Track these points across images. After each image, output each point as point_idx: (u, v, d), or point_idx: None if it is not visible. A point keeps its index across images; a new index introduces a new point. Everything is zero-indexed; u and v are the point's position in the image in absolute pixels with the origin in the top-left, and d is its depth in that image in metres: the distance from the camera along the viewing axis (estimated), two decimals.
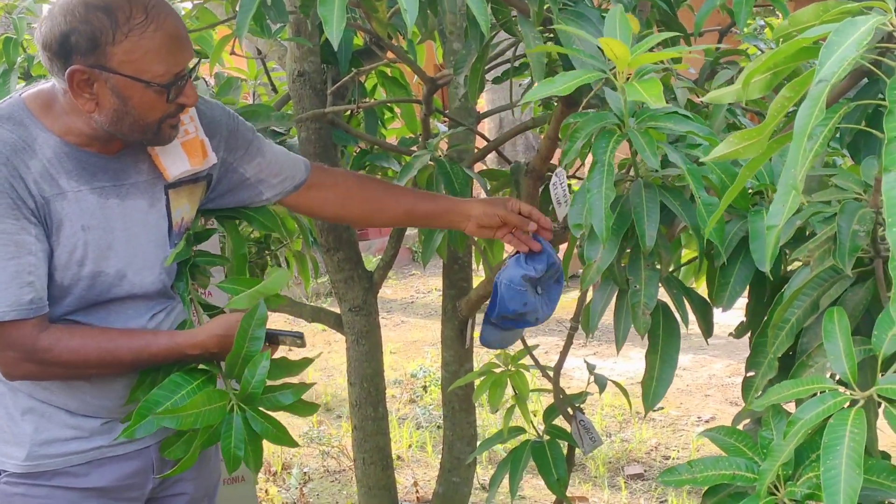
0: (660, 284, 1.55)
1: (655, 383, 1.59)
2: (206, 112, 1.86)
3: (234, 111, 1.96)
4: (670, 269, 1.66)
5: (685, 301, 1.62)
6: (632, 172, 1.57)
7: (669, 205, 1.48)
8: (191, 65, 1.71)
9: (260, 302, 1.71)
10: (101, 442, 1.79)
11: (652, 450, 4.67)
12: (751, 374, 1.42)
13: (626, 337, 1.56)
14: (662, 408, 5.23)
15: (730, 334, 1.66)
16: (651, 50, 1.48)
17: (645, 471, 4.42)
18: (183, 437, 1.71)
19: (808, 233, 1.47)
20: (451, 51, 2.46)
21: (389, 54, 2.61)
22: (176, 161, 1.79)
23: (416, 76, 2.42)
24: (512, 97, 2.37)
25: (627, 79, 1.44)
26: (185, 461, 1.70)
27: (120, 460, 1.82)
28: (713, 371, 5.73)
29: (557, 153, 1.59)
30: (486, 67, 2.33)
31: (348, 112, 2.77)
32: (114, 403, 1.80)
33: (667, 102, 1.89)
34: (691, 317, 1.64)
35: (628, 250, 1.55)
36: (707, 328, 1.65)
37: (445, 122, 2.78)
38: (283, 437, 1.76)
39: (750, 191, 1.55)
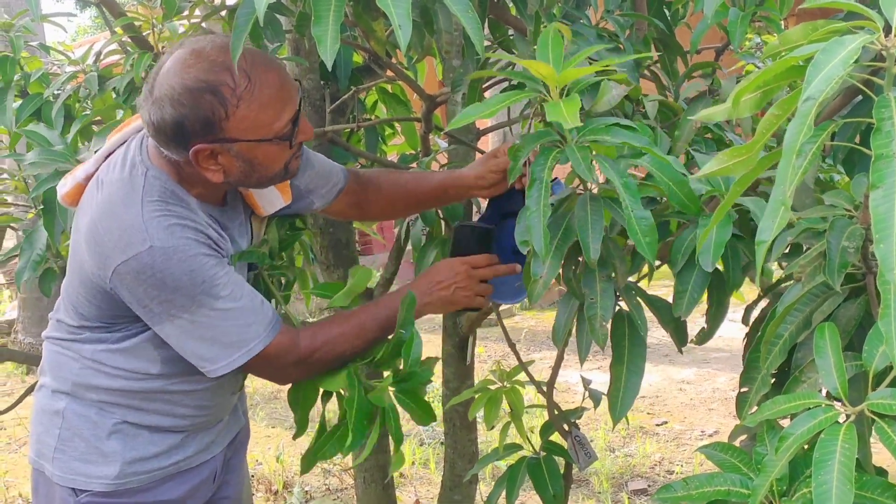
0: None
1: (622, 394, 1.58)
2: None
3: None
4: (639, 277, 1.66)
5: (651, 311, 1.62)
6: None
7: (617, 217, 1.48)
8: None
9: (409, 293, 1.80)
10: (178, 457, 1.89)
11: (656, 464, 4.67)
12: (744, 389, 1.42)
13: (589, 349, 1.56)
14: (666, 422, 5.23)
15: (691, 340, 1.66)
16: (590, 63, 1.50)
17: (649, 486, 4.41)
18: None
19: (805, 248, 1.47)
20: (451, 68, 2.47)
21: (389, 72, 2.62)
22: (271, 199, 1.88)
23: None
24: (510, 114, 2.38)
25: (562, 93, 1.46)
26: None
27: (192, 472, 1.92)
28: (717, 385, 5.73)
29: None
30: (485, 85, 2.34)
31: (348, 129, 2.79)
32: (208, 415, 1.92)
33: (632, 115, 1.92)
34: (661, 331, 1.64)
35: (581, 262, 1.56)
36: (680, 338, 1.64)
37: (446, 138, 2.79)
38: (427, 417, 1.82)
39: (701, 196, 1.55)
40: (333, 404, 1.88)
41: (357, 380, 1.78)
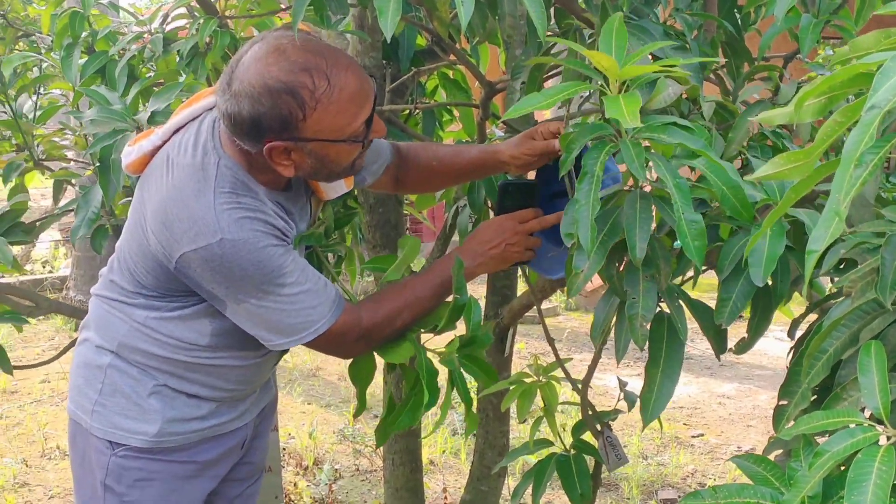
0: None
1: (655, 397, 1.55)
2: None
3: None
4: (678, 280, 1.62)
5: (692, 316, 1.59)
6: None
7: (666, 217, 1.45)
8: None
9: (457, 258, 1.81)
10: (214, 421, 1.92)
11: (688, 476, 4.61)
12: (784, 402, 1.39)
13: (627, 349, 1.54)
14: (703, 434, 5.16)
15: (730, 349, 1.62)
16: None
17: (679, 496, 4.36)
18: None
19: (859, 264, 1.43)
20: (513, 57, 2.45)
21: (451, 56, 2.61)
22: (335, 186, 1.90)
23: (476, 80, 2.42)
24: (569, 108, 2.35)
25: (621, 90, 1.43)
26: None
27: (226, 437, 1.96)
28: (757, 402, 5.65)
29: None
30: (546, 75, 2.31)
31: (406, 111, 2.78)
32: (245, 389, 1.96)
33: (688, 114, 1.88)
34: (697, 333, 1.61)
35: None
36: (719, 346, 1.60)
37: (503, 128, 2.77)
38: (489, 378, 1.86)
39: (755, 204, 1.51)
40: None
41: (421, 347, 1.81)
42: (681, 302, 1.56)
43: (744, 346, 1.60)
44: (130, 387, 1.85)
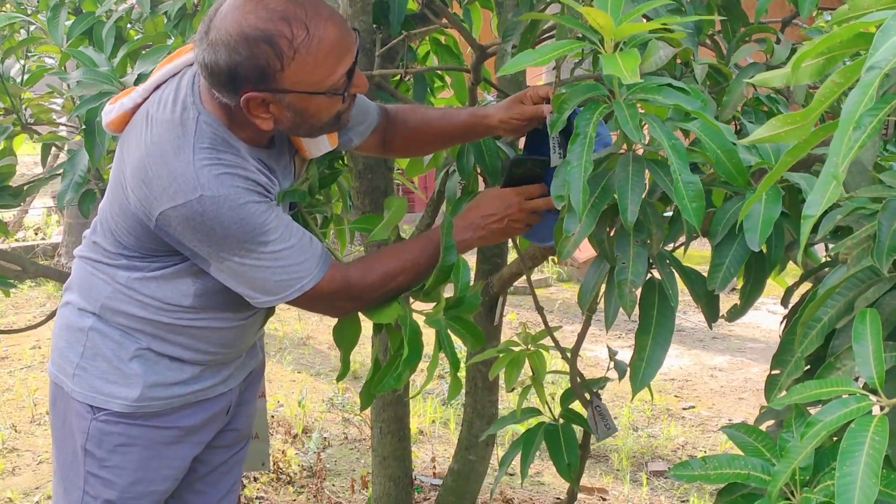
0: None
1: (645, 365, 1.52)
2: None
3: None
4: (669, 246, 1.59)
5: (684, 283, 1.56)
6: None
7: (659, 180, 1.42)
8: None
9: (448, 219, 1.80)
10: (197, 387, 1.90)
11: (678, 448, 4.61)
12: (776, 371, 1.37)
13: (616, 315, 1.51)
14: (694, 406, 5.16)
15: (722, 316, 1.59)
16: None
17: (669, 468, 4.35)
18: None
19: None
20: (506, 21, 2.41)
21: (443, 20, 2.56)
22: (318, 143, 1.86)
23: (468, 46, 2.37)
24: (560, 73, 2.31)
25: (616, 48, 1.40)
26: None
27: (209, 402, 1.95)
28: (749, 374, 5.64)
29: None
30: (539, 38, 2.28)
31: (397, 77, 2.73)
32: (228, 353, 1.93)
33: (679, 77, 1.85)
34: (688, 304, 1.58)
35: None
36: (711, 313, 1.57)
37: (495, 94, 2.73)
38: (477, 341, 1.84)
39: (749, 168, 1.48)
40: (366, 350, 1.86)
41: (408, 307, 1.79)
42: (672, 268, 1.53)
43: (736, 313, 1.57)
44: (112, 350, 1.83)
